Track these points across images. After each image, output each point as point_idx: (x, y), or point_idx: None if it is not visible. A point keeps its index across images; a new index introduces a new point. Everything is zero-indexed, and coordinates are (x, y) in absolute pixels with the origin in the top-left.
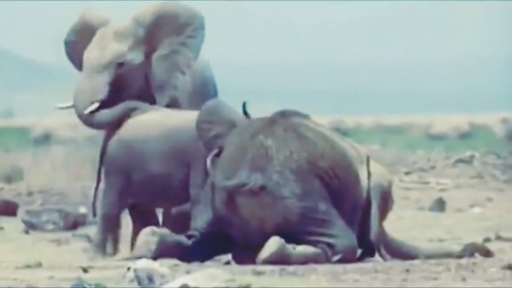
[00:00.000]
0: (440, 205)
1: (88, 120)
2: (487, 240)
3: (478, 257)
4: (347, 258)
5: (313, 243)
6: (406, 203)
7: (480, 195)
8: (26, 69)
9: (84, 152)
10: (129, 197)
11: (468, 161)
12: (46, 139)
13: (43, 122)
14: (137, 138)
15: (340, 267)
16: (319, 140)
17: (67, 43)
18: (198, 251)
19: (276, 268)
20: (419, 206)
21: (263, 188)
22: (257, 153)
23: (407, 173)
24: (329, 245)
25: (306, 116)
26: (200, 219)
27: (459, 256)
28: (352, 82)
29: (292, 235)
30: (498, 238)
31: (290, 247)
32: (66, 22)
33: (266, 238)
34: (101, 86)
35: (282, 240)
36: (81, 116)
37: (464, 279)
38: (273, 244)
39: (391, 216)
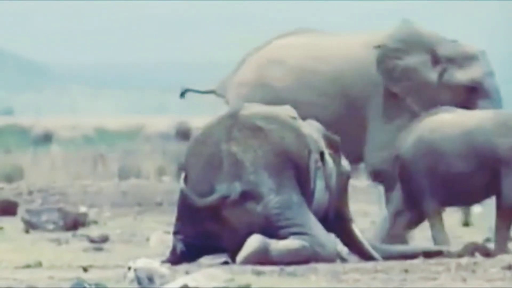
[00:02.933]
0: None
1: None
2: (488, 240)
3: (478, 257)
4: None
5: (293, 236)
6: None
7: None
8: (26, 69)
9: (83, 151)
10: (433, 196)
11: None
12: (46, 139)
13: (43, 122)
14: (437, 138)
15: (340, 267)
16: (273, 127)
17: (387, 49)
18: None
19: (276, 268)
20: None
21: (244, 194)
22: (228, 163)
23: None
24: (307, 235)
25: (249, 105)
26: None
27: (460, 256)
28: None
29: (273, 231)
30: None
31: (272, 242)
32: (66, 22)
33: None
34: None
35: (261, 238)
36: None
37: (464, 279)
38: (252, 242)
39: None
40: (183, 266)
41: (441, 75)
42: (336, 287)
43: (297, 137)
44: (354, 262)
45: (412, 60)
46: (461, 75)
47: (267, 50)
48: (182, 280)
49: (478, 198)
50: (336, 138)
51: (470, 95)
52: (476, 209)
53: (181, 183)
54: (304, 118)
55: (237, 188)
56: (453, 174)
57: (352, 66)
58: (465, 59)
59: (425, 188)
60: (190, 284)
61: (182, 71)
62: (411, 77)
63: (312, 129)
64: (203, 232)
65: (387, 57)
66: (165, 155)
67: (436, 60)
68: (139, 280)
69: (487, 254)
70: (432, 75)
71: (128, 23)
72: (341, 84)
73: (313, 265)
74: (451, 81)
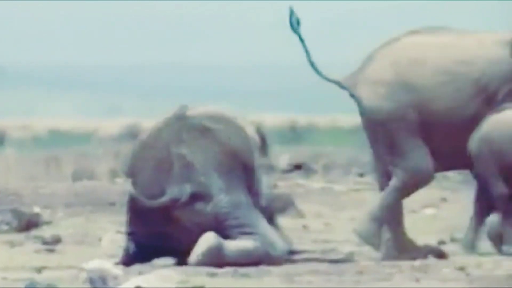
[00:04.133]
0: None
1: None
2: (442, 242)
3: (431, 259)
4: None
5: (244, 236)
6: (359, 205)
7: (434, 196)
8: None
9: (37, 153)
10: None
11: None
12: None
13: None
14: (497, 136)
15: (293, 269)
16: (221, 127)
17: None
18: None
19: (229, 269)
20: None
21: (194, 195)
22: (178, 166)
23: (361, 175)
24: (257, 235)
25: (194, 106)
26: None
27: (413, 257)
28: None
29: (223, 231)
30: (453, 240)
31: (225, 242)
32: (19, 22)
33: None
34: None
35: (214, 237)
36: None
37: (417, 280)
38: (205, 241)
39: (343, 216)
40: (136, 267)
41: None
42: None
43: (243, 136)
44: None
45: None
46: None
47: (401, 48)
48: (135, 281)
49: None
50: (265, 133)
51: None
52: (428, 211)
53: (130, 187)
54: (443, 120)
55: (187, 189)
56: None
57: (493, 66)
58: None
59: (491, 188)
60: (143, 285)
61: (138, 73)
62: None
63: (250, 126)
64: (155, 233)
65: None
66: (118, 157)
67: None
68: (92, 281)
69: (440, 255)
70: None
71: (84, 23)
72: (482, 86)
73: (266, 266)
74: None
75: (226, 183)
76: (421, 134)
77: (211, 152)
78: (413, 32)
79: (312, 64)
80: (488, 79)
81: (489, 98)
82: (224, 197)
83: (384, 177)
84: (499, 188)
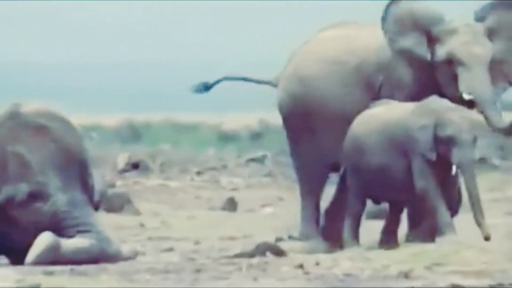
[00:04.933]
0: (231, 204)
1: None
2: (280, 239)
3: (270, 256)
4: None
5: (80, 234)
6: (197, 203)
7: (272, 195)
8: None
9: None
10: (363, 191)
11: (260, 160)
12: None
13: None
14: (362, 133)
15: (131, 267)
16: (55, 124)
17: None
18: None
19: (66, 268)
20: (210, 206)
21: (32, 194)
22: (14, 165)
23: (198, 173)
24: (93, 232)
25: (28, 104)
26: None
27: (251, 255)
28: (142, 79)
29: (60, 230)
30: (290, 237)
31: (62, 240)
32: None
33: None
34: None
35: (51, 236)
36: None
37: (255, 279)
38: (42, 241)
39: (180, 214)
40: None
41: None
42: (127, 287)
43: (76, 133)
44: (146, 261)
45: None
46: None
47: (309, 43)
48: None
49: (401, 193)
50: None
51: None
52: (266, 209)
53: None
54: (333, 110)
55: (23, 189)
56: (373, 169)
57: (371, 53)
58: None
59: (350, 184)
60: None
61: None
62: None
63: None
64: None
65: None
66: None
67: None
68: None
69: (278, 253)
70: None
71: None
72: (362, 73)
73: (104, 264)
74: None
75: (63, 182)
76: (314, 128)
77: (48, 150)
78: (327, 28)
79: (248, 79)
80: (366, 66)
81: (369, 87)
82: (61, 196)
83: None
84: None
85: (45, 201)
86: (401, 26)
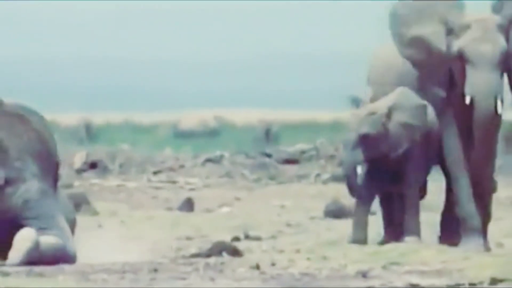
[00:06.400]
0: (188, 204)
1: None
2: (236, 239)
3: (226, 257)
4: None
5: (48, 230)
6: (154, 203)
7: (229, 195)
8: None
9: None
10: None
11: (217, 160)
12: None
13: None
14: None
15: (88, 267)
16: (35, 117)
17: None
18: None
19: (23, 269)
20: (167, 206)
21: (8, 180)
22: None
23: (155, 173)
24: (58, 229)
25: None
26: None
27: (208, 255)
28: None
29: (25, 220)
30: (247, 237)
31: (41, 239)
32: None
33: (8, 229)
34: (499, 81)
35: (31, 236)
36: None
37: (212, 279)
38: (23, 242)
39: (138, 214)
40: None
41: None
42: (84, 287)
43: (50, 129)
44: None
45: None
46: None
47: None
48: None
49: None
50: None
51: None
52: (223, 209)
53: None
54: None
55: (1, 174)
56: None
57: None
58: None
59: None
60: None
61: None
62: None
63: None
64: None
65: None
66: None
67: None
68: None
69: (235, 253)
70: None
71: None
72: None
73: (61, 265)
74: None
75: (40, 170)
76: None
77: (27, 138)
78: None
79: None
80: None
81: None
82: (36, 183)
83: None
84: None
85: (18, 186)
86: (419, 13)
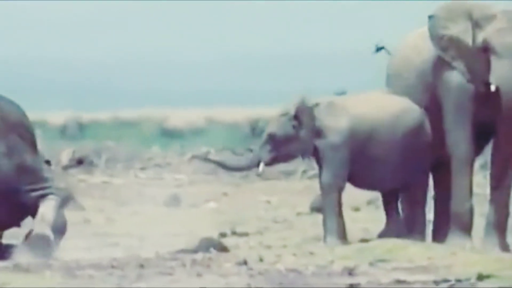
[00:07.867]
0: (175, 200)
1: None
2: (223, 235)
3: (213, 252)
4: None
5: (36, 196)
6: (141, 199)
7: (216, 191)
8: None
9: None
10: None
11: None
12: None
13: None
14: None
15: (75, 263)
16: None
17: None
18: None
19: (9, 263)
20: (154, 202)
21: None
22: None
23: (142, 169)
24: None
25: None
26: None
27: (194, 251)
28: (88, 76)
29: (13, 194)
30: (234, 233)
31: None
32: None
33: None
34: None
35: (46, 230)
36: None
37: (199, 275)
38: (36, 239)
39: (124, 210)
40: None
41: None
42: (71, 283)
43: (18, 107)
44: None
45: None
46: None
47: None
48: None
49: None
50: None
51: None
52: (210, 205)
53: None
54: None
55: None
56: None
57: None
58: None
59: None
60: None
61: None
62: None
63: None
64: None
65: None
66: None
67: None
68: None
69: (222, 249)
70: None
71: None
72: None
73: (47, 260)
74: None
75: (8, 147)
76: None
77: None
78: None
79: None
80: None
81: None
82: (7, 161)
83: None
84: None
85: None
86: (450, 12)
